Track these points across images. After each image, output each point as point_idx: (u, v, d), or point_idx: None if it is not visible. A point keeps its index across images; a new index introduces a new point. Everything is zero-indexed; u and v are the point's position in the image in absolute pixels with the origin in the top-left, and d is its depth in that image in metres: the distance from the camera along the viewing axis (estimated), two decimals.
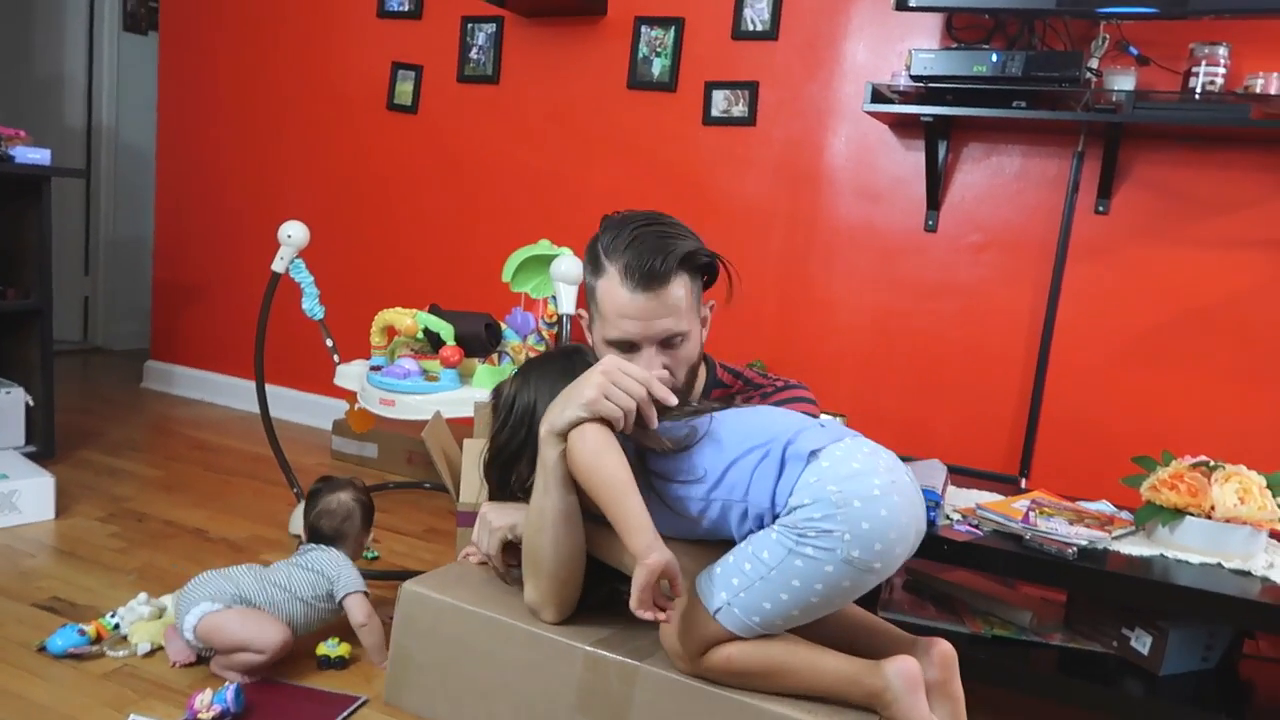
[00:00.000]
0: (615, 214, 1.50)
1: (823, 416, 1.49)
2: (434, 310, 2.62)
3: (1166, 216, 2.44)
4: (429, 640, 1.43)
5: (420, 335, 2.54)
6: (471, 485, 1.95)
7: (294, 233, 2.47)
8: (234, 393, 3.82)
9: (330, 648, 1.82)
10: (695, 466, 1.25)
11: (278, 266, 2.50)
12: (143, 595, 1.96)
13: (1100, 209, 2.49)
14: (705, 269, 1.49)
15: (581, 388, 1.25)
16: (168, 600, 1.94)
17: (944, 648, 1.30)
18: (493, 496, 1.47)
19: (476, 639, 1.39)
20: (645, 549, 1.13)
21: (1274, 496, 1.74)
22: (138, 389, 4.08)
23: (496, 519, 1.44)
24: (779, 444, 1.22)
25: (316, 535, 1.93)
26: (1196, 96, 2.20)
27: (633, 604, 1.14)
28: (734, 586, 1.20)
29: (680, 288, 1.42)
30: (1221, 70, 2.20)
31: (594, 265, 1.46)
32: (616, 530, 1.18)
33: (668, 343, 1.42)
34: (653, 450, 1.27)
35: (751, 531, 1.23)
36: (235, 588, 1.77)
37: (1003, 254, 2.62)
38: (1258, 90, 2.15)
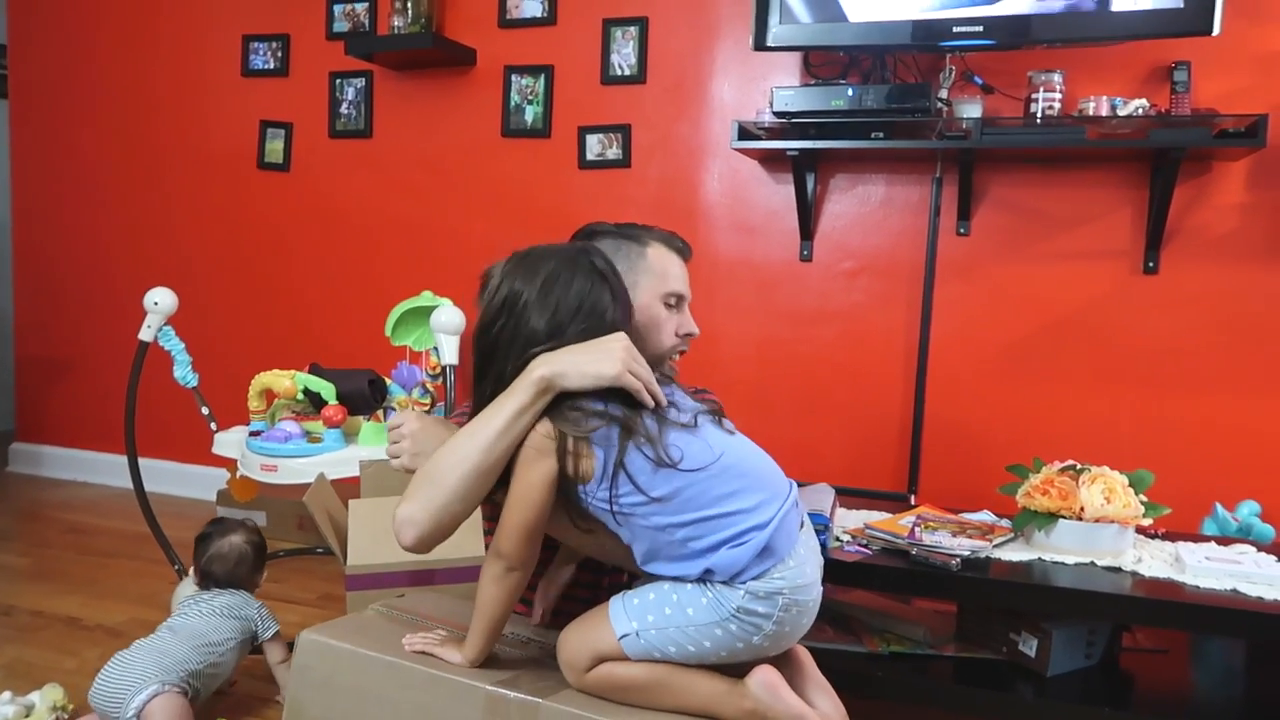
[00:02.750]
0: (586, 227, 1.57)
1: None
2: (314, 370, 2.55)
3: (1021, 234, 2.57)
4: (325, 690, 1.38)
5: (301, 396, 2.47)
6: (359, 547, 1.89)
7: (161, 299, 2.39)
8: (109, 470, 3.62)
9: None
10: (675, 490, 1.20)
11: (145, 335, 2.41)
12: (6, 694, 1.83)
13: (961, 230, 2.61)
14: None
15: (603, 358, 1.21)
16: (35, 697, 1.82)
17: (795, 649, 1.34)
18: (475, 388, 1.34)
19: (374, 685, 1.34)
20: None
21: (1135, 494, 1.83)
22: (2, 474, 3.84)
23: (411, 445, 1.35)
24: (763, 530, 1.20)
25: (209, 579, 1.95)
26: (1037, 121, 2.34)
27: None
28: (648, 622, 1.23)
29: None
30: (1058, 96, 2.34)
31: (630, 247, 1.51)
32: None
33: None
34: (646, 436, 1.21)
35: (680, 578, 1.23)
36: (176, 663, 1.73)
37: (875, 279, 2.71)
38: (1090, 113, 2.29)
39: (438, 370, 2.67)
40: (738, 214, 2.84)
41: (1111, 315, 2.51)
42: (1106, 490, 1.82)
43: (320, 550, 2.93)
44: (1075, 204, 2.52)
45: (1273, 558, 1.82)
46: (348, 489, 2.24)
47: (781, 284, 2.80)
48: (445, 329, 2.37)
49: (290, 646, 1.38)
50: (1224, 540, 1.98)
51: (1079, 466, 1.89)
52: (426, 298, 2.76)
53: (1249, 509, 2.28)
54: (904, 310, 2.68)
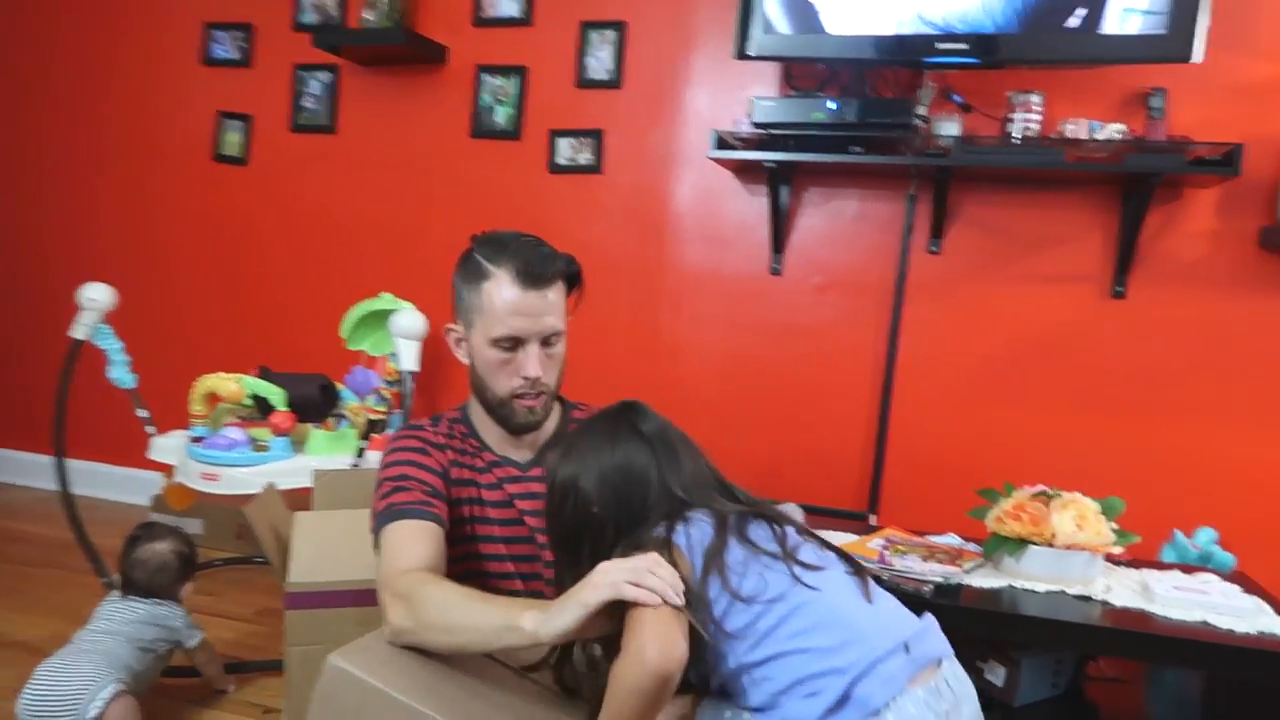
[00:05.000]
0: (485, 232, 1.53)
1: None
2: (263, 373, 2.44)
3: (994, 254, 2.55)
4: None
5: (247, 401, 2.36)
6: (303, 563, 1.77)
7: (96, 295, 2.27)
8: (37, 471, 3.44)
9: None
10: (748, 627, 1.10)
11: (78, 333, 2.28)
12: None
13: (933, 249, 2.58)
14: (573, 281, 1.54)
15: (584, 590, 1.10)
16: None
17: None
18: (560, 579, 1.27)
19: None
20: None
21: (1107, 521, 1.80)
22: None
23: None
24: (842, 675, 1.04)
25: (130, 585, 1.88)
26: (1015, 141, 2.32)
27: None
28: None
29: (559, 291, 1.49)
30: (1036, 117, 2.32)
31: (475, 272, 1.47)
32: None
33: (546, 341, 1.48)
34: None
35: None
36: (122, 664, 1.72)
37: (844, 295, 2.68)
38: (1069, 135, 2.28)
39: (395, 376, 2.57)
40: (708, 225, 2.78)
41: (1079, 338, 2.50)
42: (1079, 517, 1.78)
43: (258, 559, 2.81)
44: (1046, 226, 2.50)
45: (1237, 588, 1.80)
46: (296, 500, 2.13)
47: (750, 297, 2.75)
48: (405, 333, 2.28)
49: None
50: (1186, 568, 1.96)
51: (1050, 492, 1.85)
52: (386, 300, 2.67)
53: (1207, 536, 2.26)
54: (872, 327, 2.65)
